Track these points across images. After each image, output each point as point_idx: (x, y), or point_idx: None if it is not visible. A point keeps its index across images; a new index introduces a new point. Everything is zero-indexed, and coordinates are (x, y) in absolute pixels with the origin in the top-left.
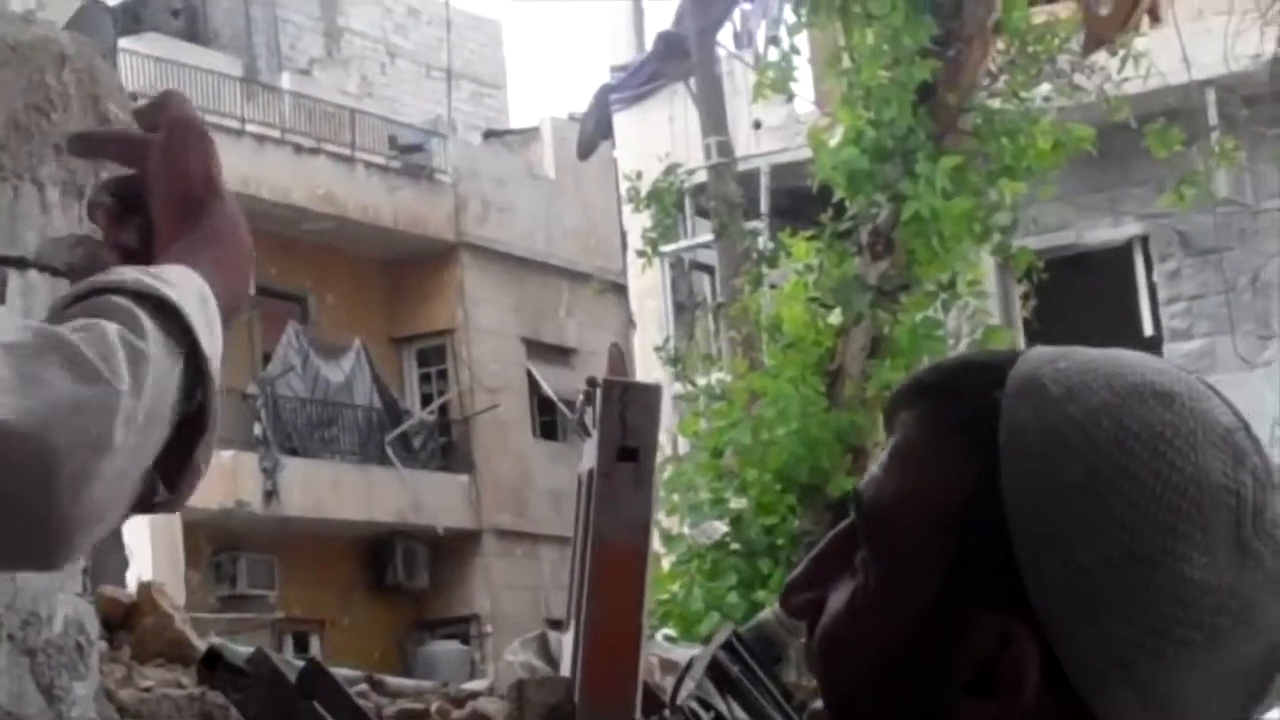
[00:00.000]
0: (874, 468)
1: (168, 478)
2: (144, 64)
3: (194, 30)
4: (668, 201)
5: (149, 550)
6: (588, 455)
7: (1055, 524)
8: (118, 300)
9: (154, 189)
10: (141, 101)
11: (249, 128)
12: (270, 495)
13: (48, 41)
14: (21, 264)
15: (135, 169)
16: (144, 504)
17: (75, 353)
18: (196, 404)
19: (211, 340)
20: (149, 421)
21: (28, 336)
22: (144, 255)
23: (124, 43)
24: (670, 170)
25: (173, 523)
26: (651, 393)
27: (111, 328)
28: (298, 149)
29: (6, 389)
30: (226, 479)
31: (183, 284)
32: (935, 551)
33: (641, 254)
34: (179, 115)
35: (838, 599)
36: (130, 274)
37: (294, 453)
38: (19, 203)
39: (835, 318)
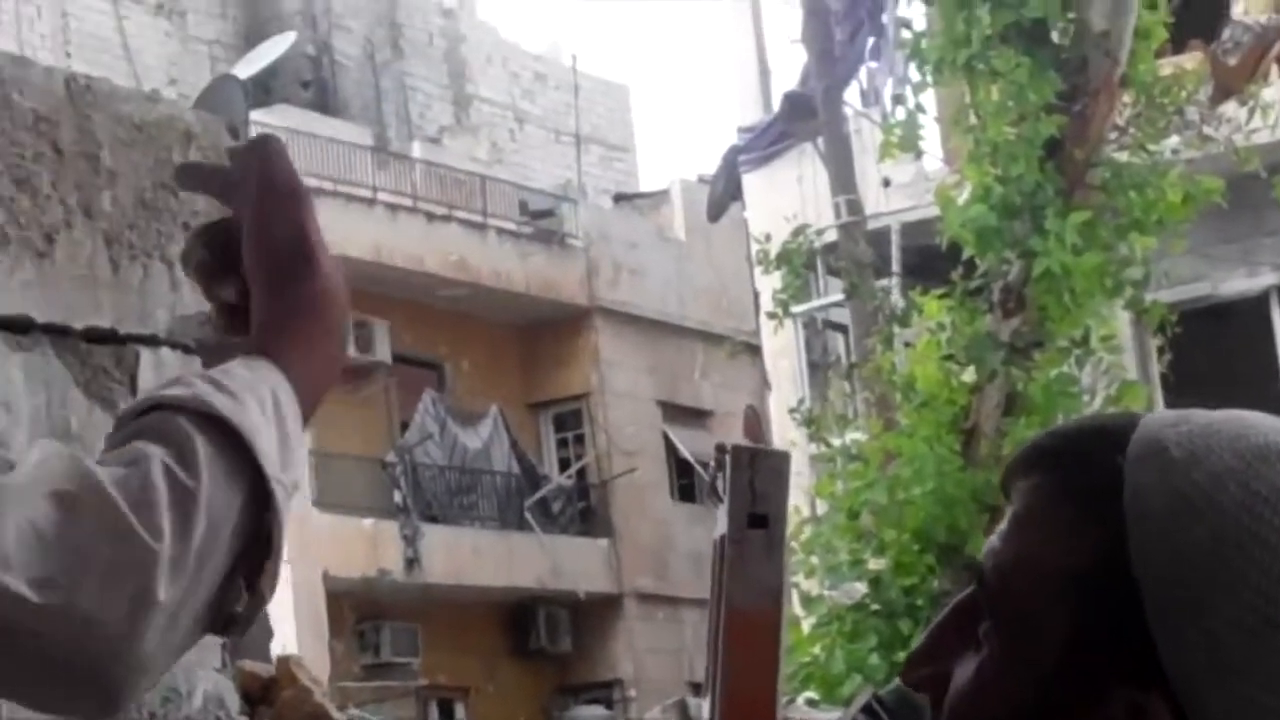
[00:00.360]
0: (993, 538)
1: (234, 596)
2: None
3: (324, 101)
4: (798, 262)
5: (292, 621)
6: (720, 522)
7: (1185, 590)
8: (177, 422)
9: (245, 246)
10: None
11: (381, 197)
12: (412, 563)
13: (174, 120)
14: (153, 341)
15: (231, 208)
16: (210, 628)
17: (113, 512)
18: (265, 529)
19: (284, 451)
20: (201, 562)
21: (69, 487)
22: (244, 309)
23: (255, 115)
24: (799, 231)
25: (316, 593)
26: (780, 459)
27: (158, 467)
28: (430, 217)
29: (45, 552)
30: (368, 547)
31: (253, 388)
32: (1060, 621)
33: (773, 315)
34: (270, 171)
35: (963, 673)
36: (193, 388)
37: (434, 520)
38: (148, 280)
39: (969, 375)
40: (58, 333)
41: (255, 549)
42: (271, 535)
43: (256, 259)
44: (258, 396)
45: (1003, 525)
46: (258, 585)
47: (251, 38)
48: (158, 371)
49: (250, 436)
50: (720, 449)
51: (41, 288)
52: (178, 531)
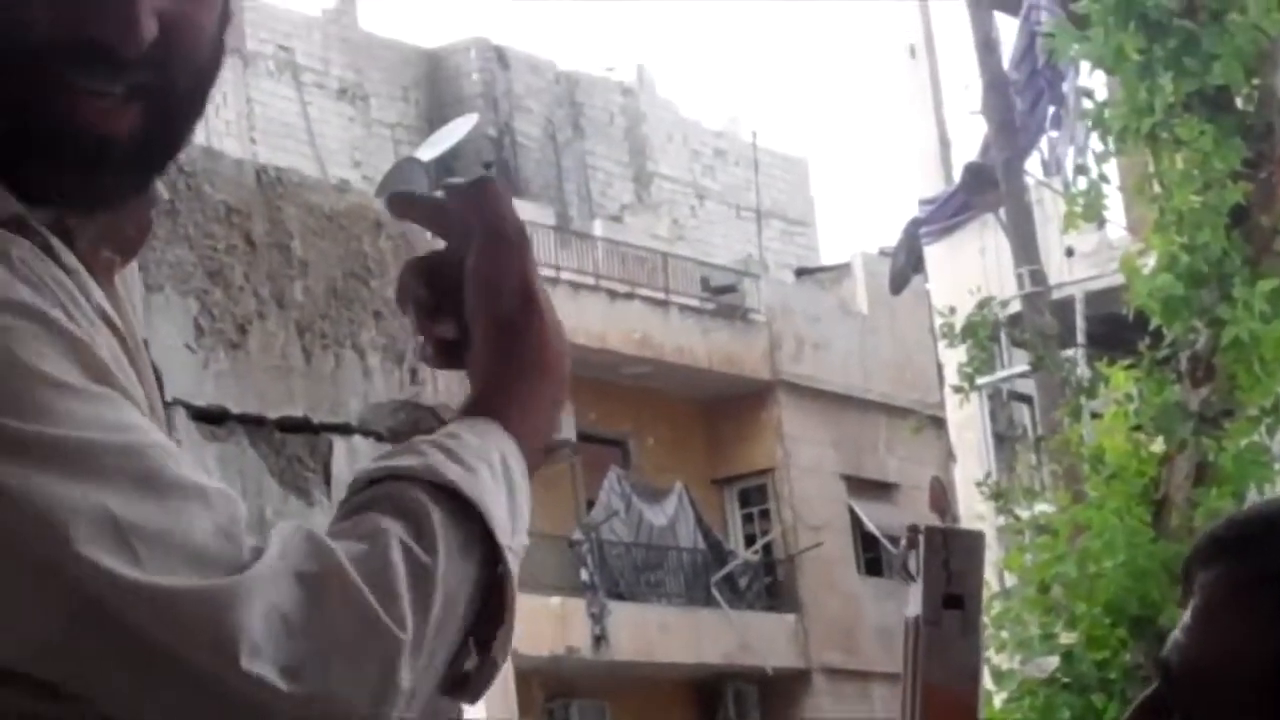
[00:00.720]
0: (1176, 632)
1: (465, 659)
2: None
3: (506, 181)
4: (982, 335)
5: (482, 699)
6: (913, 602)
7: None
8: (411, 493)
9: (468, 292)
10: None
11: (564, 275)
12: (599, 640)
13: (363, 209)
14: (345, 430)
15: (446, 242)
16: (444, 692)
17: (358, 596)
18: (498, 597)
19: (514, 518)
20: (438, 638)
21: (313, 568)
22: (461, 348)
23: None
24: (984, 304)
25: (505, 671)
26: (974, 539)
27: (395, 545)
28: (612, 294)
29: (293, 639)
30: (556, 625)
31: (483, 454)
32: (1252, 716)
33: (958, 390)
34: (496, 215)
35: None
36: (425, 457)
37: (620, 597)
38: (341, 370)
39: (1158, 446)
40: (252, 423)
41: (486, 614)
42: (504, 602)
43: (483, 308)
44: (488, 463)
45: (1186, 619)
46: (491, 651)
47: (434, 120)
48: (351, 460)
49: (484, 507)
50: (913, 529)
51: (236, 378)
52: (418, 613)
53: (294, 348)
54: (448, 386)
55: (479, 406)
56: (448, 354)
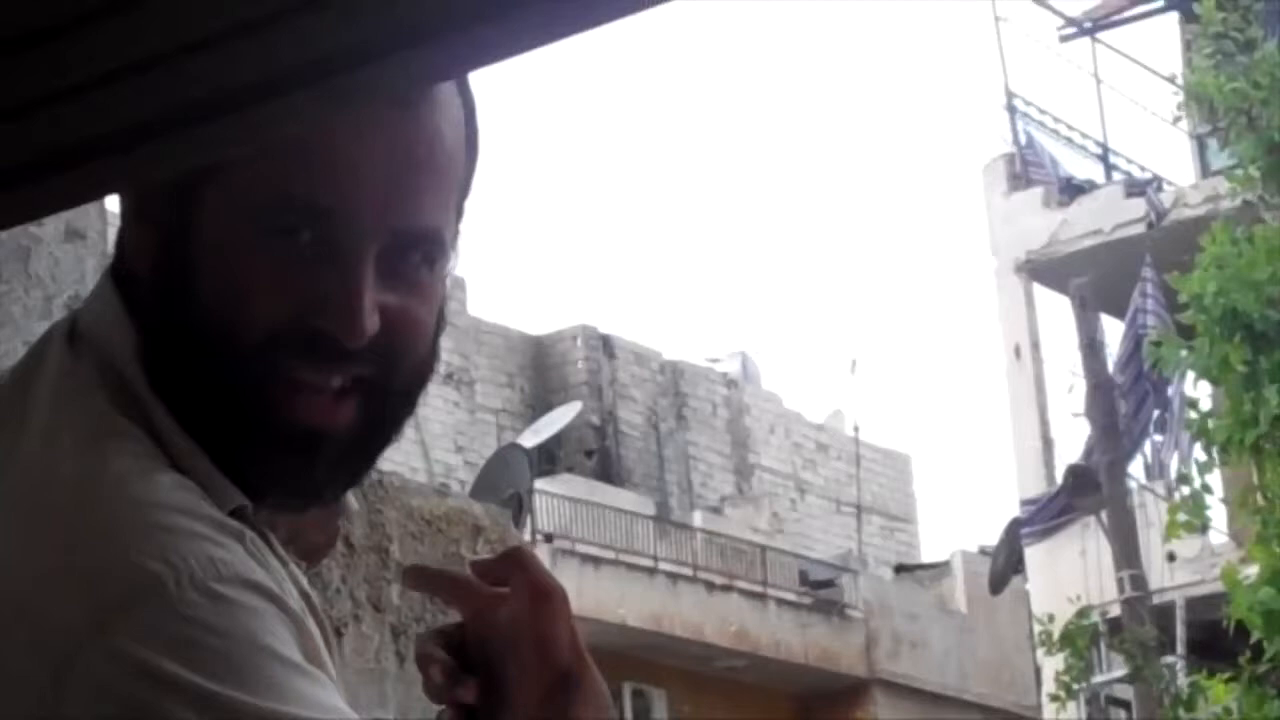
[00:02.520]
0: None
1: None
2: (558, 504)
3: (607, 470)
4: (1081, 644)
5: None
6: None
7: None
8: None
9: (513, 656)
10: (485, 555)
11: (662, 566)
12: None
13: (462, 514)
14: None
15: (465, 615)
16: None
17: None
18: None
19: None
20: None
21: None
22: (480, 714)
23: (540, 483)
24: (1083, 613)
25: None
26: None
27: None
28: (710, 586)
29: None
30: None
31: None
32: None
33: (1055, 698)
34: (542, 582)
35: None
36: None
37: None
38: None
39: None
40: None
41: None
42: None
43: (538, 664)
44: None
45: None
46: None
47: (537, 407)
48: None
49: None
50: None
51: None
52: None
53: (388, 651)
54: None
55: None
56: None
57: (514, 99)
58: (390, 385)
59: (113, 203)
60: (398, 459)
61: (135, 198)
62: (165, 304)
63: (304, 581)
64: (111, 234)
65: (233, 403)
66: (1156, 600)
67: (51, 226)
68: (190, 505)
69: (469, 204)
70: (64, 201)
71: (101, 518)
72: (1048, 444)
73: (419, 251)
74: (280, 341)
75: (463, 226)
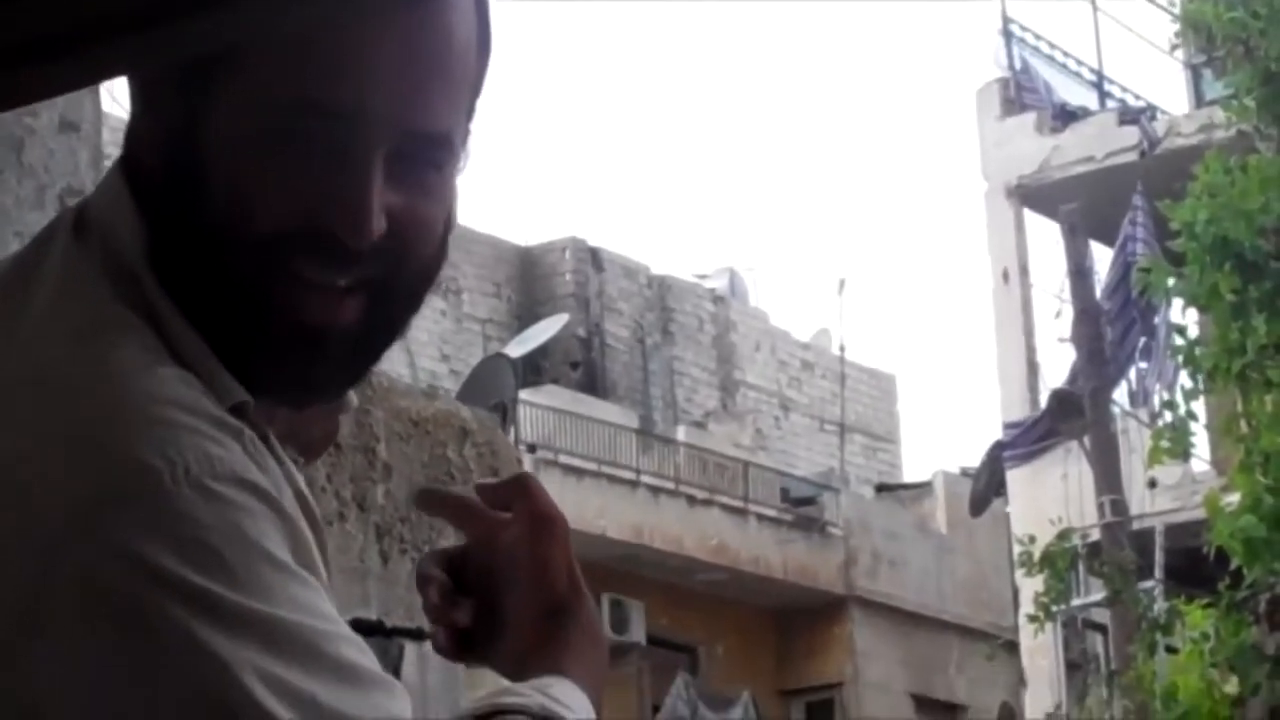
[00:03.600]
0: None
1: None
2: (543, 415)
3: (592, 383)
4: (1061, 566)
5: None
6: None
7: None
8: None
9: (512, 581)
10: (491, 479)
11: (644, 479)
12: None
13: (450, 416)
14: (418, 635)
15: (470, 539)
16: None
17: None
18: None
19: None
20: None
21: None
22: (476, 636)
23: (524, 394)
24: (1064, 535)
25: None
26: None
27: None
28: (691, 500)
29: None
30: None
31: (578, 707)
32: None
33: (1033, 619)
34: (544, 510)
35: None
36: (533, 697)
37: None
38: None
39: (1231, 687)
40: None
41: None
42: None
43: (536, 587)
44: (583, 713)
45: None
46: None
47: (524, 318)
48: (421, 665)
49: None
50: None
51: None
52: None
53: (372, 551)
54: None
55: (553, 665)
56: (459, 643)
57: (510, 9)
58: (396, 285)
59: (107, 97)
60: (383, 365)
61: (144, 87)
62: (174, 198)
63: (300, 482)
64: (106, 129)
65: (238, 299)
66: (1136, 526)
67: (46, 118)
68: (191, 401)
69: (479, 103)
70: (61, 86)
71: (101, 409)
72: (1033, 368)
73: (429, 153)
74: (288, 241)
75: (473, 126)
